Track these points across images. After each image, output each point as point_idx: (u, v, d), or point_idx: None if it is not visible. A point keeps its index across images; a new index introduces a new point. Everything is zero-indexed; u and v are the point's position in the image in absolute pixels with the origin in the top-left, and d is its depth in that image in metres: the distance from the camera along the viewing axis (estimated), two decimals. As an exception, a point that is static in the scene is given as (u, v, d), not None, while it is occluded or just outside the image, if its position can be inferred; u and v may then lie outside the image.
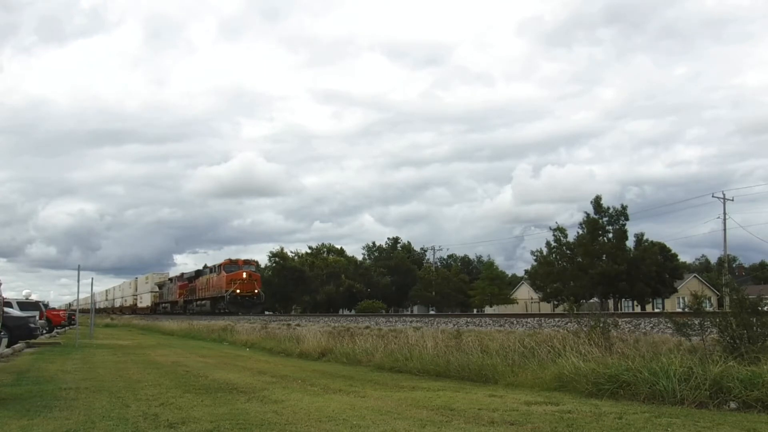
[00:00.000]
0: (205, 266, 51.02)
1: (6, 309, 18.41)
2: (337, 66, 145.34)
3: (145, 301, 66.21)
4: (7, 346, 17.82)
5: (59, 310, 44.57)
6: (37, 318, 25.26)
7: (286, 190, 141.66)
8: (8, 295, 26.99)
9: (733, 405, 6.95)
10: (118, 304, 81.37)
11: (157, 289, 63.53)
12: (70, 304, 70.25)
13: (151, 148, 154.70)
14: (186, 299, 52.23)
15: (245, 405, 7.85)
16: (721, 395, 7.08)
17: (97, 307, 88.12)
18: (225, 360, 15.69)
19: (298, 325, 22.41)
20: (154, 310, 62.94)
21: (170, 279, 60.41)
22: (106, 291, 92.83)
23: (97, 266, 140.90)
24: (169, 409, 7.48)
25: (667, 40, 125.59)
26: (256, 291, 42.08)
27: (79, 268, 23.70)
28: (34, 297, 32.83)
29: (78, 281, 23.77)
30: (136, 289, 72.29)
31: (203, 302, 47.40)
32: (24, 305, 26.34)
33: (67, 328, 37.36)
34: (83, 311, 60.22)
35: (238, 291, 41.00)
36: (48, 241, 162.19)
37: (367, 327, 18.42)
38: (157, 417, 6.93)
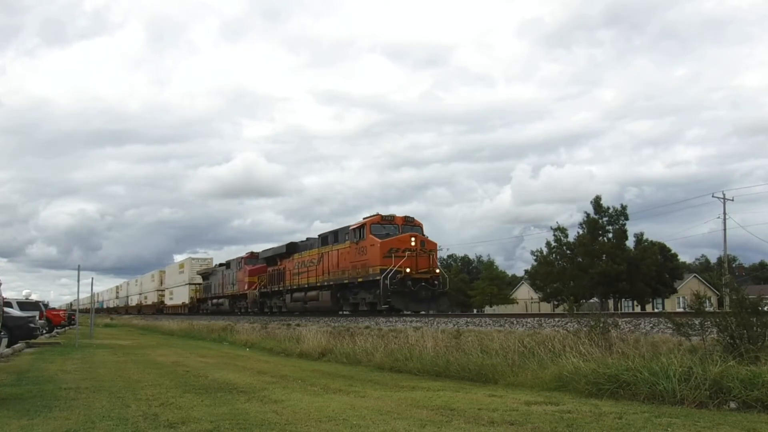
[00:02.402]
0: (315, 237, 29.82)
1: (6, 309, 18.41)
2: (337, 67, 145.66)
3: (179, 297, 51.22)
4: (7, 346, 17.81)
5: (59, 310, 44.52)
6: (37, 318, 25.26)
7: (286, 191, 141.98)
8: (8, 295, 27.08)
9: (733, 405, 6.94)
10: (134, 302, 69.07)
11: (199, 281, 48.07)
12: (70, 304, 69.74)
13: (153, 149, 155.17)
14: (265, 290, 34.08)
15: (245, 405, 7.85)
16: (721, 395, 7.07)
17: (105, 306, 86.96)
18: (225, 360, 15.69)
19: (298, 324, 22.40)
20: (195, 308, 47.92)
21: (225, 264, 42.34)
22: (117, 287, 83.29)
23: (97, 266, 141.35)
24: (169, 409, 7.48)
25: (667, 41, 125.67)
26: (437, 271, 23.54)
27: (79, 268, 23.70)
28: (34, 297, 32.91)
29: (78, 281, 23.75)
30: (162, 282, 58.03)
31: (312, 294, 28.32)
32: (24, 305, 26.37)
33: (67, 328, 37.36)
34: (84, 311, 59.59)
35: (407, 270, 22.30)
36: (49, 241, 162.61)
37: (367, 327, 18.40)
38: (157, 417, 6.93)
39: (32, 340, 20.90)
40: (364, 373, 12.04)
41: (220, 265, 44.05)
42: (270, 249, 35.39)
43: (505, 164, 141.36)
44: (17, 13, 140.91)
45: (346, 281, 25.32)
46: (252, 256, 37.66)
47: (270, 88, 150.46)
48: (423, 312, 22.08)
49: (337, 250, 26.20)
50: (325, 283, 26.94)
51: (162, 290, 57.96)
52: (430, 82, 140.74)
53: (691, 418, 6.45)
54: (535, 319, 15.05)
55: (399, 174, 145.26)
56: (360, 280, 24.18)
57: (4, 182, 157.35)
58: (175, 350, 19.73)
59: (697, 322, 9.03)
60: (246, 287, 36.29)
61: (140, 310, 65.19)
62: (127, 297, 74.17)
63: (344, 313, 25.83)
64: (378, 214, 24.85)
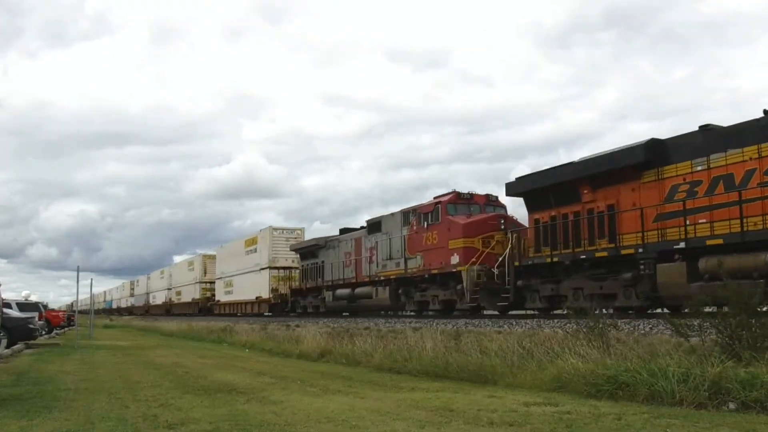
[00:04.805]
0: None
1: (5, 310, 18.44)
2: (339, 69, 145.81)
3: (247, 290, 34.65)
4: (7, 347, 17.85)
5: (58, 311, 44.50)
6: (36, 319, 25.27)
7: (287, 191, 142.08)
8: (8, 296, 27.09)
9: (731, 406, 6.95)
10: (159, 299, 54.87)
11: (287, 262, 32.23)
12: (71, 305, 69.54)
13: (153, 150, 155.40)
14: (533, 261, 16.28)
15: (244, 406, 7.86)
16: (719, 396, 7.07)
17: (115, 306, 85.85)
18: (224, 361, 15.68)
19: (298, 325, 22.38)
20: (287, 304, 31.01)
21: (368, 226, 23.96)
22: (132, 283, 71.90)
23: (97, 267, 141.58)
24: (168, 410, 7.48)
25: (667, 42, 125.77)
26: None
27: (78, 269, 23.66)
28: (33, 298, 32.95)
29: (77, 282, 23.70)
30: (206, 272, 42.80)
31: None
32: (23, 306, 26.38)
33: (66, 329, 37.35)
34: (86, 312, 59.22)
35: None
36: (49, 242, 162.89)
37: (366, 328, 18.38)
38: (156, 418, 6.94)
39: (31, 341, 20.90)
40: (364, 374, 12.04)
41: (346, 230, 26.77)
42: (544, 171, 16.85)
43: (505, 165, 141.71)
44: (19, 15, 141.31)
45: None
46: (457, 199, 19.75)
47: (271, 89, 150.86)
48: None
49: None
50: None
51: (208, 282, 42.65)
52: (430, 83, 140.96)
53: (690, 419, 6.45)
54: (534, 319, 15.06)
55: (399, 175, 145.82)
56: None
57: (5, 183, 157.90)
58: (175, 351, 19.72)
59: (695, 323, 9.04)
60: (450, 259, 18.73)
61: (169, 309, 49.66)
62: (148, 294, 60.61)
63: None
64: None
